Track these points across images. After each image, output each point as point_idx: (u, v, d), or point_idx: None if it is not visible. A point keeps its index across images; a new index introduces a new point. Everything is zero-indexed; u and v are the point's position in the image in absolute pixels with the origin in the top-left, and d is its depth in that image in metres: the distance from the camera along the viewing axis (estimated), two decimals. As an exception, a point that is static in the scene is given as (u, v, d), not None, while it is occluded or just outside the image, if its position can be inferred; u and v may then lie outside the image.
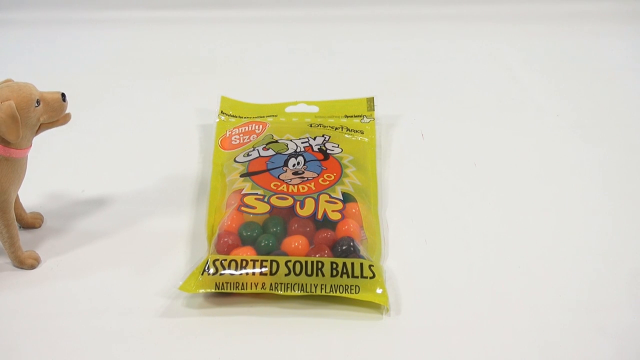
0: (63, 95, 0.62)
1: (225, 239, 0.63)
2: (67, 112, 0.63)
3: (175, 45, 1.07)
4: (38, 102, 0.60)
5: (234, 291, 0.60)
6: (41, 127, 0.62)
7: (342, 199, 0.68)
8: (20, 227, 0.68)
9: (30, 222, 0.69)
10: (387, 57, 1.03)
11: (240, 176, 0.71)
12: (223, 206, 0.68)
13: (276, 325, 0.59)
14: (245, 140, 0.77)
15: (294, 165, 0.72)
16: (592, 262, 0.66)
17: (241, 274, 0.60)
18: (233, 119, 0.83)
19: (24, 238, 0.67)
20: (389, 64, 1.02)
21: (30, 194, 0.69)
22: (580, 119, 0.88)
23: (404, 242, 0.68)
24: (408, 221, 0.71)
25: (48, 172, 0.77)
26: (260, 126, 0.79)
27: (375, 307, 0.60)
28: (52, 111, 0.61)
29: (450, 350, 0.57)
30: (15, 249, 0.64)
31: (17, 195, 0.67)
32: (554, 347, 0.57)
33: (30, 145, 0.62)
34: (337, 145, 0.76)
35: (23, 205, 0.68)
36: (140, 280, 0.64)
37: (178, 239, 0.68)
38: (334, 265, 0.60)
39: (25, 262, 0.64)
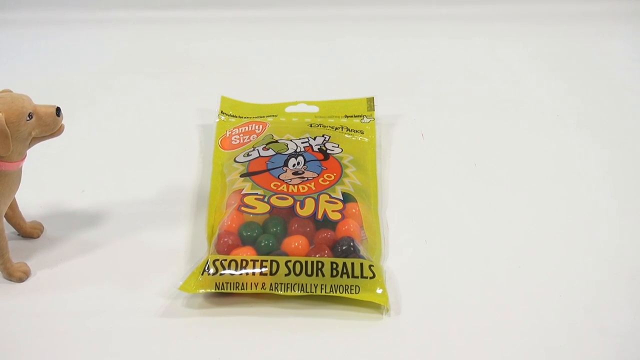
0: (58, 109, 0.60)
1: (225, 239, 0.63)
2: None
3: (175, 45, 1.07)
4: (30, 115, 0.59)
5: (234, 291, 0.60)
6: (33, 140, 0.60)
7: (342, 199, 0.68)
8: (19, 236, 0.68)
9: (29, 232, 0.68)
10: (387, 57, 1.03)
11: (240, 176, 0.71)
12: (223, 206, 0.68)
13: (276, 325, 0.59)
14: (245, 140, 0.77)
15: (294, 165, 0.72)
16: (593, 262, 0.66)
17: (241, 274, 0.60)
18: (233, 119, 0.83)
19: (23, 246, 0.67)
20: (389, 64, 1.02)
21: (30, 196, 0.69)
22: (581, 119, 0.88)
23: (404, 242, 0.68)
24: (408, 221, 0.71)
25: (48, 172, 0.76)
26: (260, 126, 0.79)
27: (375, 307, 0.60)
28: (45, 125, 0.60)
29: (450, 350, 0.57)
30: (5, 261, 0.63)
31: (16, 205, 0.66)
32: (555, 347, 0.57)
33: (24, 158, 0.61)
34: (337, 145, 0.76)
35: (21, 213, 0.68)
36: (140, 281, 0.64)
37: (178, 239, 0.68)
38: (334, 265, 0.60)
39: (14, 275, 0.63)
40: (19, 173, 0.62)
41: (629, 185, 0.76)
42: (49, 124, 0.60)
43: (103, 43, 1.08)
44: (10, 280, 0.64)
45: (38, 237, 0.68)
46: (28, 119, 0.59)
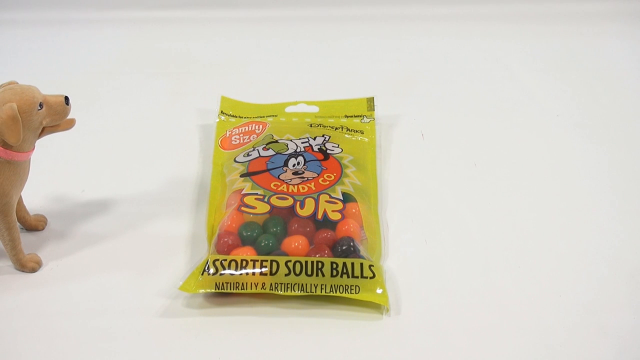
0: (66, 98, 0.61)
1: (225, 239, 0.63)
2: (71, 117, 0.63)
3: (175, 45, 1.07)
4: (41, 105, 0.60)
5: (234, 291, 0.60)
6: (44, 131, 0.62)
7: (342, 199, 0.68)
8: (23, 229, 0.68)
9: (34, 225, 0.69)
10: (387, 57, 1.03)
11: (240, 176, 0.71)
12: (223, 206, 0.68)
13: (276, 325, 0.59)
14: (245, 140, 0.77)
15: (294, 165, 0.72)
16: (593, 262, 0.66)
17: (241, 274, 0.60)
18: (233, 119, 0.83)
19: (27, 240, 0.67)
20: (389, 64, 1.02)
21: (31, 195, 0.69)
22: (581, 119, 0.88)
23: (404, 242, 0.68)
24: (408, 221, 0.71)
25: (48, 172, 0.76)
26: (260, 126, 0.79)
27: (375, 307, 0.60)
28: (55, 114, 0.61)
29: (450, 350, 0.57)
30: (17, 252, 0.64)
31: (21, 198, 0.67)
32: (554, 347, 0.57)
33: (33, 149, 0.62)
34: (337, 145, 0.76)
35: (26, 207, 0.68)
36: (140, 281, 0.64)
37: (178, 239, 0.68)
38: (334, 265, 0.60)
39: (26, 265, 0.64)
40: (28, 164, 0.63)
41: (629, 185, 0.76)
42: (59, 112, 0.61)
43: (103, 43, 1.08)
44: (23, 271, 0.64)
45: (43, 229, 0.69)
46: (39, 108, 0.60)
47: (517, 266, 0.65)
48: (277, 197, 0.67)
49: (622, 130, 0.85)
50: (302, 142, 0.75)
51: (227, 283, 0.60)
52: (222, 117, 0.83)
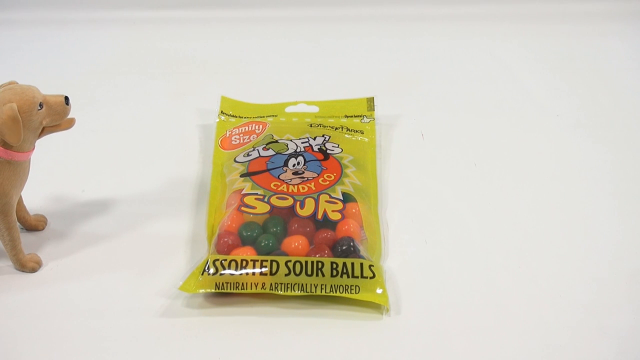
0: (66, 98, 0.61)
1: (225, 239, 0.63)
2: (71, 116, 0.63)
3: (175, 45, 1.07)
4: (41, 105, 0.60)
5: (234, 291, 0.60)
6: (44, 131, 0.62)
7: (342, 199, 0.68)
8: (23, 229, 0.68)
9: (34, 225, 0.69)
10: (387, 57, 1.03)
11: (240, 176, 0.71)
12: (223, 206, 0.68)
13: (276, 325, 0.59)
14: (245, 140, 0.77)
15: (294, 165, 0.72)
16: (593, 262, 0.66)
17: (241, 274, 0.60)
18: (233, 119, 0.83)
19: (27, 240, 0.67)
20: (389, 63, 1.02)
21: (31, 195, 0.69)
22: (581, 119, 0.88)
23: (404, 242, 0.68)
24: (408, 221, 0.71)
25: (48, 172, 0.77)
26: (260, 126, 0.79)
27: (375, 307, 0.60)
28: (55, 114, 0.61)
29: (450, 350, 0.57)
30: (17, 252, 0.64)
31: (21, 198, 0.67)
32: (554, 347, 0.57)
33: (33, 149, 0.62)
34: (337, 145, 0.76)
35: (26, 207, 0.68)
36: (140, 281, 0.64)
37: (178, 239, 0.68)
38: (334, 265, 0.60)
39: (26, 265, 0.64)
40: (28, 164, 0.63)
41: (629, 185, 0.76)
42: (59, 112, 0.61)
43: (103, 43, 1.08)
44: (23, 271, 0.64)
45: (43, 229, 0.69)
46: (39, 108, 0.60)
47: (517, 266, 0.65)
48: (277, 197, 0.67)
49: (622, 130, 0.85)
50: (302, 142, 0.75)
51: (227, 283, 0.60)
52: (222, 117, 0.83)
